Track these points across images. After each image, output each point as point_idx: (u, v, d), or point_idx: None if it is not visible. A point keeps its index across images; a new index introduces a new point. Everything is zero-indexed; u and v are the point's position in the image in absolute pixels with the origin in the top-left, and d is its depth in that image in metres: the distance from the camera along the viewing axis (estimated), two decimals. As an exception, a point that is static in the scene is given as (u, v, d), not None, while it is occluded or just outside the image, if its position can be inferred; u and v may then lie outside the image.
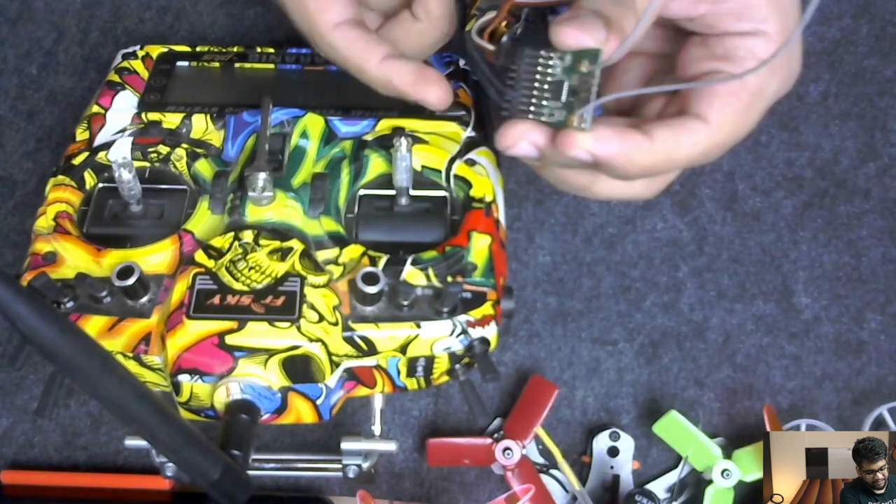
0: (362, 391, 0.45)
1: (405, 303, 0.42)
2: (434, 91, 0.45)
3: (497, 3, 0.43)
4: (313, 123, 0.49)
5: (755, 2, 0.40)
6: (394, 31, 0.47)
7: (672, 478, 0.50)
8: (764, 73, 0.40)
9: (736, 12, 0.40)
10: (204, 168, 0.47)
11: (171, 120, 0.50)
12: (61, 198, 0.46)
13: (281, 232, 0.44)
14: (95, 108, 0.51)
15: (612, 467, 0.50)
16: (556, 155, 0.39)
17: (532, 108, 0.39)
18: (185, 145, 0.48)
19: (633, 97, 0.45)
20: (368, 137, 0.49)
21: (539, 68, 0.39)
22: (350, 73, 0.45)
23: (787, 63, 0.41)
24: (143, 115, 0.50)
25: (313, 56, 0.54)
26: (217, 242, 0.44)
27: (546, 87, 0.39)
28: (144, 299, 0.43)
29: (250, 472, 0.39)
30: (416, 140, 0.47)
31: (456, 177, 0.47)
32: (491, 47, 0.43)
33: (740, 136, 0.41)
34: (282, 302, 0.42)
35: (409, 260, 0.44)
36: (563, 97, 0.39)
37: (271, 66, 0.53)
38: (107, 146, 0.48)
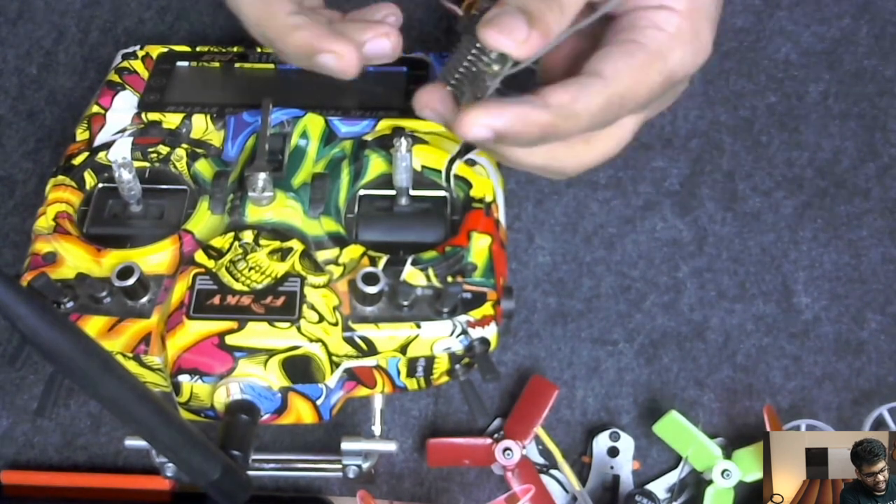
0: (362, 391, 0.45)
1: (405, 303, 0.42)
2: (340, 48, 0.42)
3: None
4: (313, 123, 0.49)
5: None
6: None
7: (672, 478, 0.50)
8: (663, 39, 0.41)
9: None
10: (204, 168, 0.47)
11: (171, 120, 0.50)
12: (61, 198, 0.46)
13: (281, 232, 0.44)
14: (95, 108, 0.51)
15: (612, 467, 0.50)
16: (460, 135, 0.39)
17: (454, 82, 0.40)
18: (185, 145, 0.48)
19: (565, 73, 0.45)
20: (368, 137, 0.49)
21: (475, 52, 0.39)
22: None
23: (692, 37, 0.41)
24: (143, 115, 0.50)
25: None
26: (217, 242, 0.44)
27: (473, 72, 0.39)
28: (144, 299, 0.43)
29: (250, 472, 0.39)
30: (416, 140, 0.47)
31: (456, 177, 0.47)
32: (459, 11, 0.43)
33: (640, 94, 0.41)
34: (282, 302, 0.42)
35: (409, 260, 0.44)
36: (479, 88, 0.39)
37: (271, 66, 0.53)
38: (107, 146, 0.48)
